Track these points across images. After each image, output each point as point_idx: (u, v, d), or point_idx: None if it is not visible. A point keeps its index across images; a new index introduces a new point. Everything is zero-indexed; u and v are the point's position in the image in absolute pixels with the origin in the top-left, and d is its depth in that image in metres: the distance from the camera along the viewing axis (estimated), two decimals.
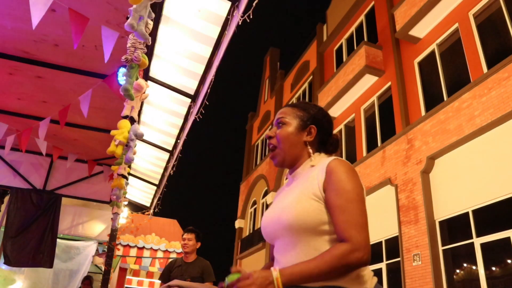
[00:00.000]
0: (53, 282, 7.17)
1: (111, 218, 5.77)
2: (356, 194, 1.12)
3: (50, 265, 5.78)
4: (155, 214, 6.93)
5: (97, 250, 7.74)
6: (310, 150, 1.30)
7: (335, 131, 13.21)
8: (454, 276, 7.48)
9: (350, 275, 1.09)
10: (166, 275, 3.76)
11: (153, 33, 2.91)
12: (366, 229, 1.10)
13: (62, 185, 6.09)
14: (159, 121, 4.34)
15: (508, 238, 6.45)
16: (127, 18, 2.02)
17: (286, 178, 1.39)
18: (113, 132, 3.25)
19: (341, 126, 12.80)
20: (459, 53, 8.64)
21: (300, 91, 16.78)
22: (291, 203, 1.17)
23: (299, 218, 1.12)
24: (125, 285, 8.95)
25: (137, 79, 2.63)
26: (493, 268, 6.73)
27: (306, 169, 1.27)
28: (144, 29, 2.07)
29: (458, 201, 7.60)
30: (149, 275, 9.58)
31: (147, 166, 5.57)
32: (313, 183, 1.17)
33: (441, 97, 8.80)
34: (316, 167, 1.22)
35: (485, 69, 7.73)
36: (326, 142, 1.35)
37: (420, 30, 9.73)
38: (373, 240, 9.64)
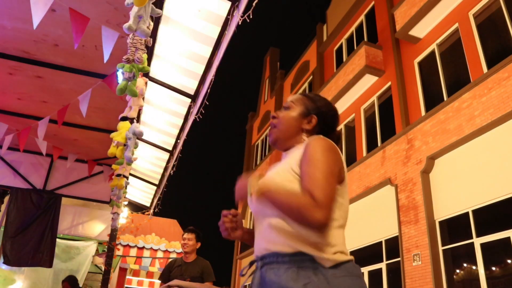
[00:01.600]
0: (53, 282, 7.17)
1: (111, 218, 5.77)
2: (326, 166, 1.14)
3: (49, 264, 5.78)
4: (155, 214, 6.94)
5: (97, 250, 7.74)
6: (304, 137, 1.34)
7: None
8: (454, 276, 7.48)
9: (315, 241, 1.11)
10: (166, 275, 3.76)
11: (153, 33, 2.91)
12: (331, 196, 1.11)
13: (62, 185, 6.09)
14: (159, 121, 4.34)
15: (508, 238, 6.45)
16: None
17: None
18: (112, 135, 3.26)
19: (341, 126, 12.80)
20: (459, 53, 8.64)
21: (300, 91, 16.78)
22: (271, 176, 1.27)
23: None
24: (125, 285, 8.95)
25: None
26: (493, 268, 6.73)
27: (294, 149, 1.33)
28: (145, 27, 2.06)
29: (458, 201, 7.60)
30: (149, 275, 9.58)
31: (147, 166, 5.57)
32: (293, 159, 1.24)
33: (441, 97, 8.80)
34: (302, 147, 1.28)
35: (485, 69, 7.72)
36: (326, 136, 1.36)
37: (420, 30, 9.73)
38: (373, 240, 9.65)
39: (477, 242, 7.01)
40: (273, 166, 1.44)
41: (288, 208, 1.09)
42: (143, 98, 3.26)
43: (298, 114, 1.36)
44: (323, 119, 1.37)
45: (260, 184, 1.15)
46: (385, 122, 10.66)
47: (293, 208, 1.07)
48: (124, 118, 3.13)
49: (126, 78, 2.44)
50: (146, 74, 3.41)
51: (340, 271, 1.10)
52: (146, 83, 3.11)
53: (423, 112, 9.23)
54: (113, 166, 4.06)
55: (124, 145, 3.27)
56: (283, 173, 1.23)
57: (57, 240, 6.11)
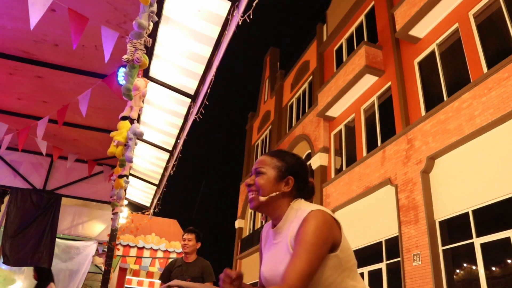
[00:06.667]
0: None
1: (111, 218, 5.77)
2: (312, 245, 1.16)
3: (48, 264, 5.77)
4: (155, 214, 6.93)
5: (97, 250, 7.74)
6: (287, 201, 1.35)
7: (335, 132, 13.19)
8: (454, 276, 7.48)
9: None
10: (166, 275, 3.76)
11: (153, 33, 2.91)
12: (306, 279, 1.14)
13: (62, 185, 6.09)
14: (159, 121, 4.34)
15: (508, 238, 6.45)
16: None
17: (264, 221, 1.44)
18: (112, 133, 3.25)
19: (341, 126, 12.80)
20: (459, 53, 8.64)
21: (300, 91, 16.78)
22: (283, 259, 1.24)
23: None
24: (125, 285, 8.95)
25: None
26: (493, 268, 6.73)
27: (289, 221, 1.31)
28: (142, 20, 2.05)
29: (458, 201, 7.60)
30: (149, 275, 9.59)
31: (147, 166, 5.57)
32: (291, 237, 1.25)
33: (441, 97, 8.80)
34: (296, 219, 1.27)
35: (485, 69, 7.73)
36: (303, 189, 1.38)
37: (420, 30, 9.73)
38: (373, 240, 9.65)
39: (477, 242, 7.01)
40: (267, 244, 1.43)
41: None
42: (143, 101, 3.26)
43: (274, 178, 1.34)
44: (297, 176, 1.36)
45: None
46: (385, 122, 10.66)
47: None
48: (125, 118, 3.12)
49: (126, 80, 2.44)
50: (146, 74, 3.41)
51: None
52: (146, 84, 3.11)
53: (423, 112, 9.23)
54: (115, 170, 4.04)
55: (125, 145, 3.26)
56: (286, 258, 1.23)
57: (57, 240, 6.10)
